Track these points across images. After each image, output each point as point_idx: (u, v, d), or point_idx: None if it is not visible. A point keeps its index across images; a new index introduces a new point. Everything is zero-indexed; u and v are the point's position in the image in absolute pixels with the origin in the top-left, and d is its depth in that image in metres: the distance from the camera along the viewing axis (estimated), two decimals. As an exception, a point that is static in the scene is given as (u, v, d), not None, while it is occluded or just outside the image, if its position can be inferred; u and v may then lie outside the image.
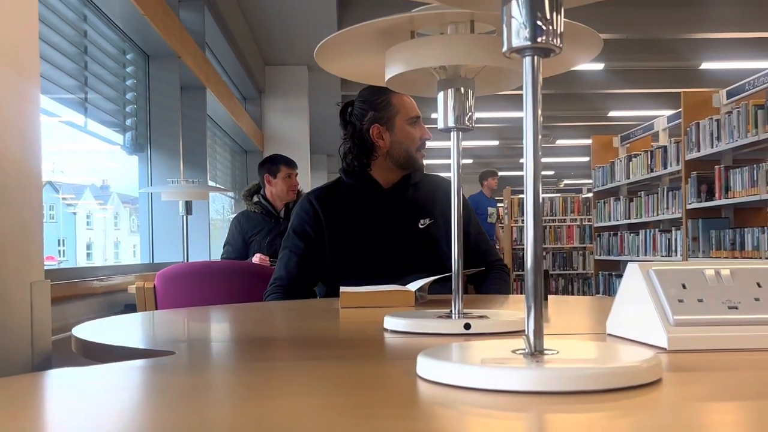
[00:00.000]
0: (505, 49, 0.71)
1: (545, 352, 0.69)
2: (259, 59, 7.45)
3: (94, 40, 3.68)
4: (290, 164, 3.87)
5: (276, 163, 3.84)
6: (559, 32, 0.69)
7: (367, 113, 2.04)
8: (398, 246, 2.02)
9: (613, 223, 8.33)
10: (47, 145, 3.71)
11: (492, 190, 9.09)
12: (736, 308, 0.84)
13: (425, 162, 2.19)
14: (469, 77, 1.05)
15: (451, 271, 1.11)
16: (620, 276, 0.94)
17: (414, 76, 1.10)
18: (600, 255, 8.64)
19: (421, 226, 2.05)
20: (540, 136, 0.71)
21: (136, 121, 4.32)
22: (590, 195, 9.85)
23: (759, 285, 0.86)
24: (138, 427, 0.53)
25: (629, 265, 0.92)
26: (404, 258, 2.00)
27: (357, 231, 2.02)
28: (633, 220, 7.83)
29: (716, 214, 6.21)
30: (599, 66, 8.80)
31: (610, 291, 8.42)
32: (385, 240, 2.02)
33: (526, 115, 0.71)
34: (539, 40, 0.68)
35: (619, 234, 8.20)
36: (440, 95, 1.05)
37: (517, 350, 0.71)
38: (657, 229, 7.28)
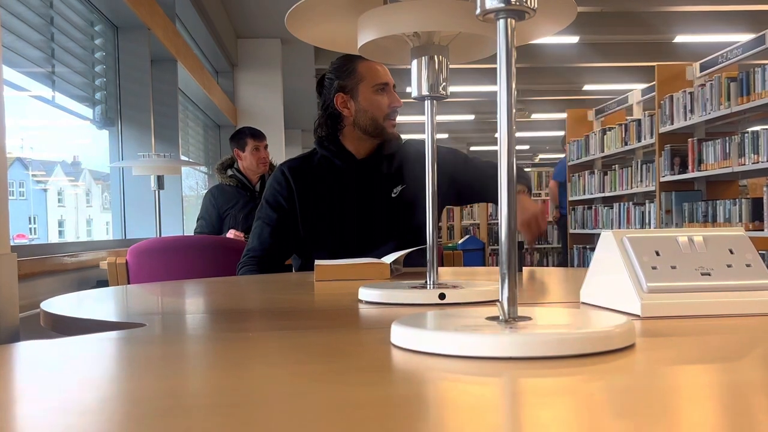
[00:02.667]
0: (478, 11, 0.70)
1: (519, 319, 0.69)
2: (231, 32, 7.34)
3: (60, 10, 3.59)
4: (257, 136, 3.76)
5: (242, 137, 3.75)
6: (533, -6, 0.67)
7: (333, 82, 2.02)
8: (370, 218, 2.00)
9: (587, 196, 8.39)
10: (16, 121, 3.64)
11: None
12: (709, 275, 0.84)
13: (402, 136, 2.16)
14: (444, 44, 1.04)
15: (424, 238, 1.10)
16: (594, 249, 0.94)
17: (387, 43, 1.08)
18: (574, 228, 8.71)
19: (393, 195, 2.03)
20: (514, 109, 0.70)
21: (105, 95, 4.25)
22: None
23: (731, 251, 0.87)
24: (108, 395, 0.52)
25: (603, 233, 0.92)
26: (377, 230, 1.99)
27: (329, 203, 2.01)
28: (607, 194, 7.90)
29: (689, 186, 6.28)
30: (574, 39, 8.80)
31: (585, 264, 8.51)
32: (357, 212, 2.00)
33: (500, 81, 0.70)
34: (513, 1, 0.66)
35: (593, 207, 8.27)
36: (414, 63, 1.04)
37: (491, 317, 0.70)
38: (631, 202, 7.36)
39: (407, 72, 1.06)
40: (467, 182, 2.11)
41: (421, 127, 13.02)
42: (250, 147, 3.72)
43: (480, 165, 2.17)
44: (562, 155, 9.24)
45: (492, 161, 2.16)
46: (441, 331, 0.65)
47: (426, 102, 1.06)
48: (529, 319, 0.69)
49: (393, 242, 1.88)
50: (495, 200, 2.23)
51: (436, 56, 1.03)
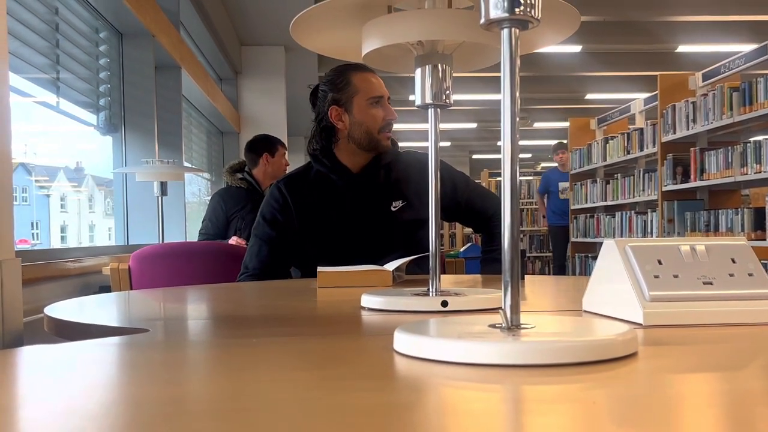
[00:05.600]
0: (482, 21, 0.70)
1: (522, 326, 0.69)
2: (235, 39, 7.37)
3: (65, 17, 3.61)
4: (284, 145, 3.96)
5: (274, 143, 3.90)
6: (536, 4, 0.68)
7: (327, 95, 1.97)
8: (370, 232, 1.96)
9: (589, 205, 8.39)
10: (20, 127, 3.65)
11: (563, 165, 8.81)
12: (711, 284, 0.85)
13: (400, 144, 2.13)
14: (447, 53, 1.04)
15: (428, 251, 1.10)
16: (596, 258, 0.94)
17: (391, 51, 1.09)
18: (576, 237, 8.71)
19: (393, 209, 1.99)
20: (518, 118, 0.71)
21: (109, 101, 4.26)
22: (567, 178, 9.89)
23: (733, 261, 0.87)
24: (112, 400, 0.52)
25: (606, 242, 0.92)
26: (377, 243, 1.95)
27: (327, 218, 1.97)
28: (609, 202, 7.90)
29: (691, 196, 6.28)
30: (576, 48, 8.82)
31: (587, 273, 8.49)
32: (356, 226, 1.96)
33: (503, 90, 0.70)
34: (517, 11, 0.67)
35: (595, 216, 8.27)
36: (417, 71, 1.04)
37: (494, 325, 0.70)
38: (633, 211, 7.35)
39: (410, 80, 1.07)
40: (464, 203, 2.11)
41: (422, 135, 13.04)
42: (280, 153, 3.88)
43: (471, 190, 2.15)
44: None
45: (496, 201, 2.16)
46: (444, 338, 0.65)
47: (429, 110, 1.07)
48: (532, 326, 0.69)
49: (394, 256, 1.84)
50: (477, 230, 2.23)
51: (439, 65, 1.03)
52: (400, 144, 2.13)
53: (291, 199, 1.98)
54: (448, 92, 1.04)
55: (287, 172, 3.88)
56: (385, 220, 1.98)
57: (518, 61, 0.71)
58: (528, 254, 10.53)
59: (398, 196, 2.01)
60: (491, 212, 2.12)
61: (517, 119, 0.70)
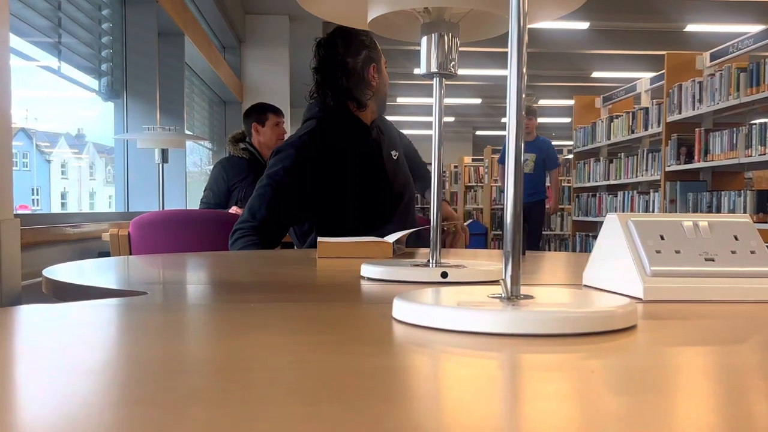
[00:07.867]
0: (491, -14, 0.69)
1: (521, 297, 0.69)
2: (239, 7, 7.30)
3: (68, -20, 3.57)
4: (277, 112, 3.81)
5: (263, 111, 3.78)
6: (547, -31, 0.67)
7: (361, 51, 2.01)
8: (392, 177, 2.11)
9: (592, 184, 8.37)
10: (22, 92, 3.63)
11: (529, 133, 7.78)
12: (713, 260, 0.84)
13: (399, 118, 2.34)
14: (454, 21, 1.03)
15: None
16: (597, 237, 0.94)
17: (397, 18, 1.08)
18: (578, 216, 8.70)
19: (394, 157, 2.17)
20: (524, 94, 0.70)
21: (111, 67, 4.23)
22: (571, 156, 9.87)
23: (736, 238, 0.86)
24: (111, 357, 0.52)
25: (608, 216, 0.91)
26: (400, 187, 2.13)
27: (352, 170, 2.03)
28: (612, 182, 7.88)
29: (694, 177, 6.26)
30: (584, 25, 8.74)
31: (587, 251, 8.49)
32: (380, 168, 2.10)
33: (510, 57, 0.69)
34: (527, -25, 0.66)
35: (597, 195, 8.26)
36: (423, 39, 1.03)
37: (494, 295, 0.70)
38: (635, 191, 7.34)
39: (415, 53, 1.06)
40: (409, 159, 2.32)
41: (425, 109, 12.98)
42: (271, 122, 3.76)
43: (420, 160, 2.43)
44: (569, 142, 9.18)
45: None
46: (443, 306, 0.65)
47: (435, 79, 1.05)
48: (532, 297, 0.69)
49: (405, 199, 2.08)
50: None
51: (446, 33, 1.02)
52: (403, 118, 2.32)
53: (309, 155, 2.00)
54: (453, 62, 1.03)
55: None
56: (395, 165, 2.16)
57: (526, 32, 0.69)
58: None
59: (393, 147, 2.20)
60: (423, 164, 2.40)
61: (524, 95, 0.69)
